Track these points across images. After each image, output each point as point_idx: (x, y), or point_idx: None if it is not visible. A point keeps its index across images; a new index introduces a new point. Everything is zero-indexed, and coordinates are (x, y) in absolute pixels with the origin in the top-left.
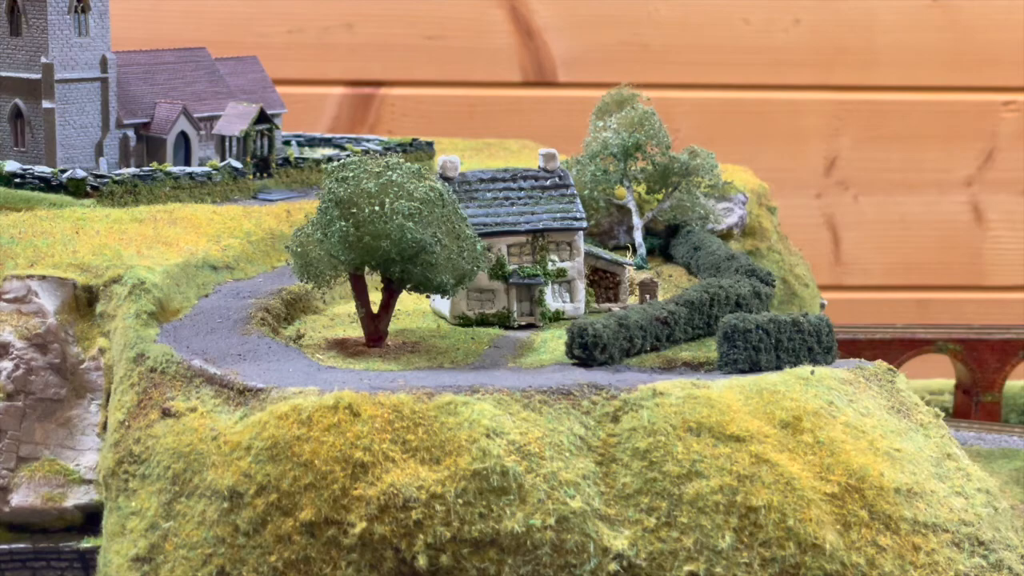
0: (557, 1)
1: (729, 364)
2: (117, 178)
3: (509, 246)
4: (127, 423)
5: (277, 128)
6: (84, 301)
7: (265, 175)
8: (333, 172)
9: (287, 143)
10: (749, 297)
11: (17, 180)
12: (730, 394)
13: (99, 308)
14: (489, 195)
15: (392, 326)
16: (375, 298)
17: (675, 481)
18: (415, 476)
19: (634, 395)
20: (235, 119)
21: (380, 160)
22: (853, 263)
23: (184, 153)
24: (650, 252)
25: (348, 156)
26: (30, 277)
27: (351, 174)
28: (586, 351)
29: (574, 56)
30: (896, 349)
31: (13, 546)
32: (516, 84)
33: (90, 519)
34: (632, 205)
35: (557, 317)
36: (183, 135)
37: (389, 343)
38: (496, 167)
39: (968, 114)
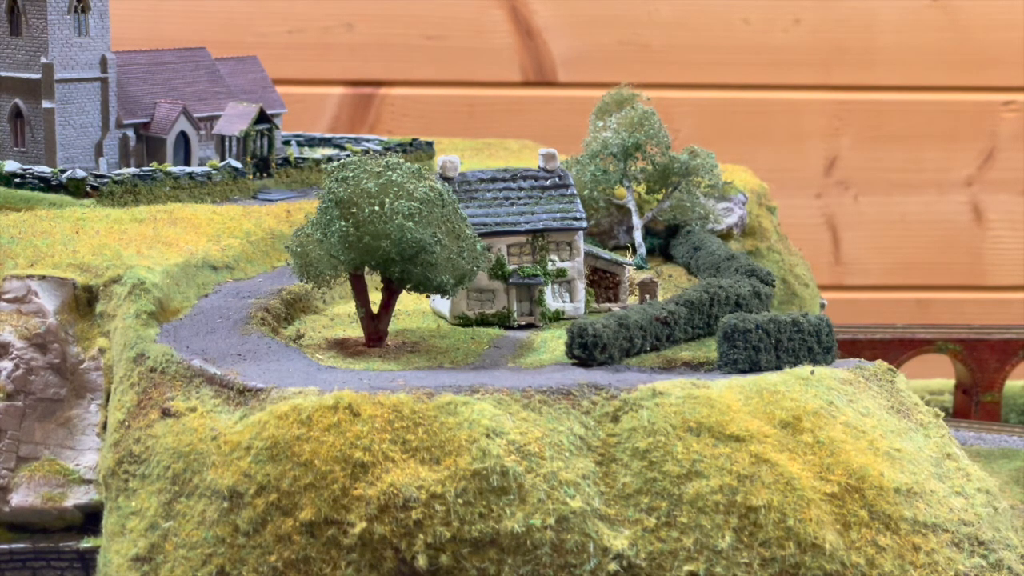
0: (557, 1)
1: (729, 364)
2: (117, 178)
3: (509, 246)
4: (127, 423)
5: (277, 128)
6: (84, 301)
7: (265, 175)
8: (333, 172)
9: (287, 143)
10: (749, 297)
11: (17, 180)
12: (730, 394)
13: (99, 308)
14: (489, 195)
15: (392, 326)
16: (375, 298)
17: (675, 481)
18: (415, 476)
19: (634, 395)
20: (235, 119)
21: (380, 160)
22: (853, 263)
23: (184, 153)
24: (650, 252)
25: (348, 156)
26: (30, 277)
27: (351, 174)
28: (586, 351)
29: (574, 56)
30: (896, 349)
31: (13, 546)
32: (516, 84)
33: (90, 519)
34: (632, 205)
35: (557, 317)
36: (183, 135)
37: (389, 343)
38: (496, 167)
39: (968, 114)
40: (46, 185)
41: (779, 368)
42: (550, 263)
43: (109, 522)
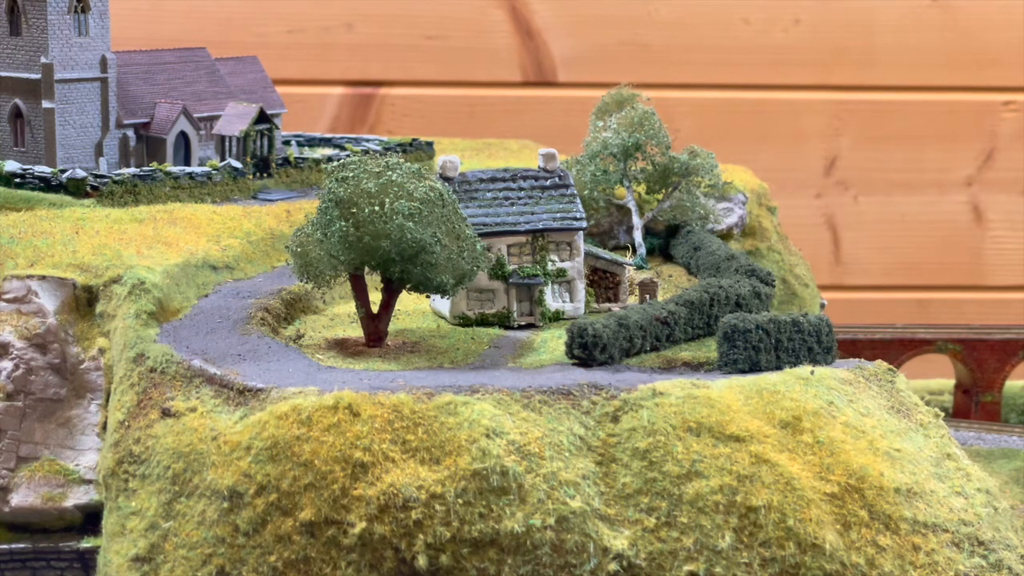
0: (557, 1)
1: (729, 364)
2: (117, 178)
3: (509, 246)
4: (127, 423)
5: (277, 128)
6: (84, 301)
7: (265, 175)
8: (333, 172)
9: (287, 143)
10: (749, 297)
11: (17, 180)
12: (730, 394)
13: (99, 308)
14: (489, 195)
15: (392, 326)
16: (375, 298)
17: (675, 481)
18: (415, 476)
19: (634, 395)
20: (235, 119)
21: (380, 160)
22: (853, 263)
23: (184, 153)
24: (650, 252)
25: (348, 156)
26: (30, 277)
27: (351, 174)
28: (586, 351)
29: (574, 56)
30: (896, 349)
31: (13, 546)
32: (516, 84)
33: (90, 519)
34: (632, 205)
35: (557, 317)
36: (183, 135)
37: (389, 343)
38: (496, 167)
39: (968, 114)
40: (46, 185)
41: (779, 368)
42: (550, 263)
43: (109, 522)
